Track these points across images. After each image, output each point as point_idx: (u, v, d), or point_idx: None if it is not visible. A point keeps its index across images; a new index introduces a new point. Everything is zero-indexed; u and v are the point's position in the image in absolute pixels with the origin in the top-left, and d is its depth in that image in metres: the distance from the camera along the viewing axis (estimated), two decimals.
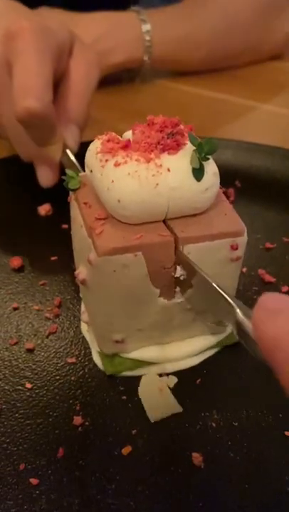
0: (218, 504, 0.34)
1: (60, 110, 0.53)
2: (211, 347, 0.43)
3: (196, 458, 0.36)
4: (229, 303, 0.29)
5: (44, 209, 0.58)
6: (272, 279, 0.50)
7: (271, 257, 0.53)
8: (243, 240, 0.38)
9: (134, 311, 0.39)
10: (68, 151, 0.52)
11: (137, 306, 0.39)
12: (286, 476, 0.35)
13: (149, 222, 0.36)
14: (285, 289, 0.49)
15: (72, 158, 0.51)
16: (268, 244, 0.55)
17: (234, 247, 0.38)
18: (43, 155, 0.54)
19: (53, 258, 0.52)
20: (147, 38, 0.84)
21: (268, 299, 0.23)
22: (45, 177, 0.55)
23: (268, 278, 0.50)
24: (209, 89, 0.89)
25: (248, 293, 0.49)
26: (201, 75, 0.93)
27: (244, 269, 0.50)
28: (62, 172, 0.52)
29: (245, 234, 0.38)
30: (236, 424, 0.38)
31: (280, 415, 0.39)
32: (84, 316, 0.44)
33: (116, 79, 0.90)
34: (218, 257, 0.38)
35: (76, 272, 0.39)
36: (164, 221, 0.37)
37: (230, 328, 0.44)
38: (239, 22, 0.90)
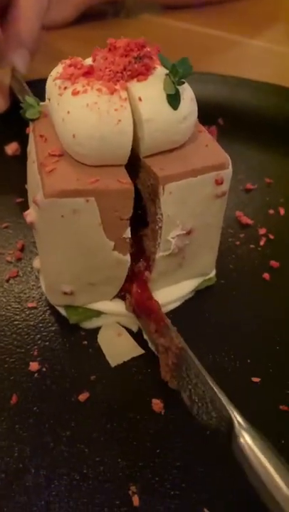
0: (177, 452, 0.32)
1: (10, 35, 0.51)
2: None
3: (156, 404, 0.34)
4: (227, 412, 0.28)
5: (11, 148, 0.54)
6: (250, 221, 0.47)
7: (250, 199, 0.50)
8: (228, 173, 0.35)
9: (85, 263, 0.35)
10: (18, 76, 0.50)
11: (88, 258, 0.35)
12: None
13: (109, 166, 0.33)
14: (262, 231, 0.46)
15: (23, 82, 0.49)
16: (249, 185, 0.51)
17: (219, 182, 0.35)
18: None
19: (18, 200, 0.49)
20: None
21: None
22: None
23: (245, 220, 0.47)
24: (198, 24, 0.84)
25: (224, 235, 0.46)
26: (190, 9, 0.87)
27: None
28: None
29: (230, 166, 0.35)
30: None
31: (248, 361, 0.37)
32: (36, 262, 0.41)
33: (100, 13, 0.84)
34: (203, 194, 0.35)
35: (25, 213, 0.35)
36: (139, 160, 0.34)
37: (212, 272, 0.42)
38: None
